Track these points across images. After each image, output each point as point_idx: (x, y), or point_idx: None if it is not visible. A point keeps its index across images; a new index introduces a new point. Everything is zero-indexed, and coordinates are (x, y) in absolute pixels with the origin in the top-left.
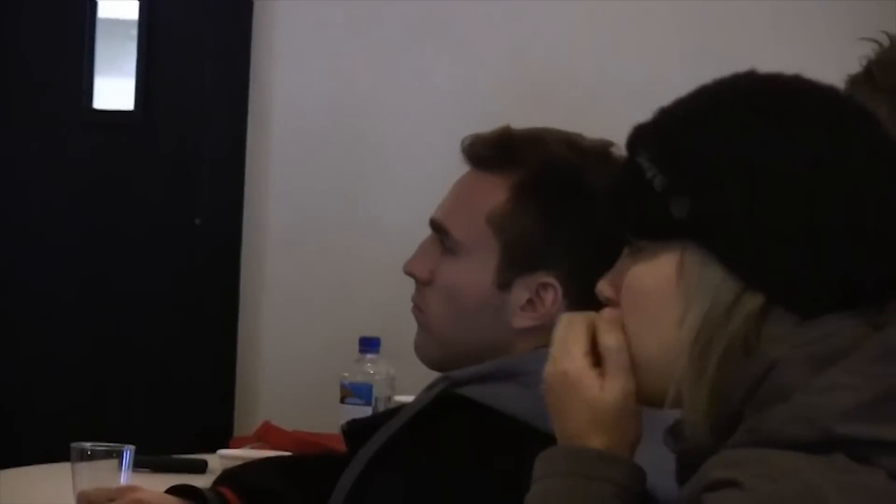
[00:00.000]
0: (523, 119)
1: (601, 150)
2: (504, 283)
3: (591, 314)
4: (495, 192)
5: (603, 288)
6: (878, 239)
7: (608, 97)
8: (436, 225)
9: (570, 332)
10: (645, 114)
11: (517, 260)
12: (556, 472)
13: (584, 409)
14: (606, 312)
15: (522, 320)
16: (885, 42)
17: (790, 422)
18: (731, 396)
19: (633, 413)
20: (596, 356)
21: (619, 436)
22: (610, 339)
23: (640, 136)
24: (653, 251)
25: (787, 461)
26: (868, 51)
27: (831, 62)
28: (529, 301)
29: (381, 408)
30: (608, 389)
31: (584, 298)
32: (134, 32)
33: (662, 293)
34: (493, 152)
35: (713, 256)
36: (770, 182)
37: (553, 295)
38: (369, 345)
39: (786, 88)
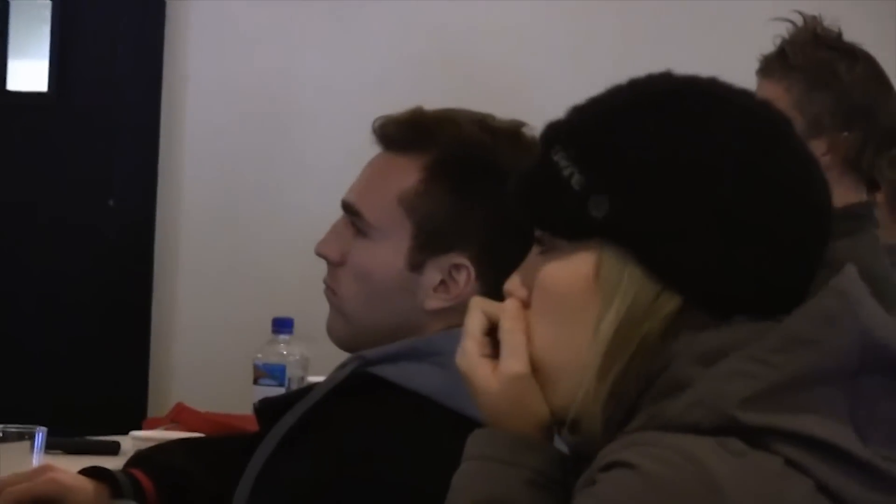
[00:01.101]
0: (437, 104)
1: (513, 130)
2: (416, 265)
3: (492, 303)
4: (407, 173)
5: (512, 288)
6: (794, 243)
7: (528, 83)
8: (347, 206)
9: (468, 321)
10: (566, 103)
11: (429, 241)
12: (476, 455)
13: (481, 398)
14: (509, 303)
15: (435, 301)
16: (799, 22)
17: (691, 408)
18: (629, 389)
19: (531, 395)
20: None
21: (523, 420)
22: (504, 324)
23: (556, 133)
24: (568, 250)
25: (682, 442)
26: (783, 31)
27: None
28: (442, 282)
29: (293, 388)
30: (496, 377)
31: (497, 279)
32: (48, 14)
33: (578, 294)
34: (405, 133)
35: (632, 257)
36: (688, 183)
37: (466, 276)
38: (282, 326)
39: (702, 90)
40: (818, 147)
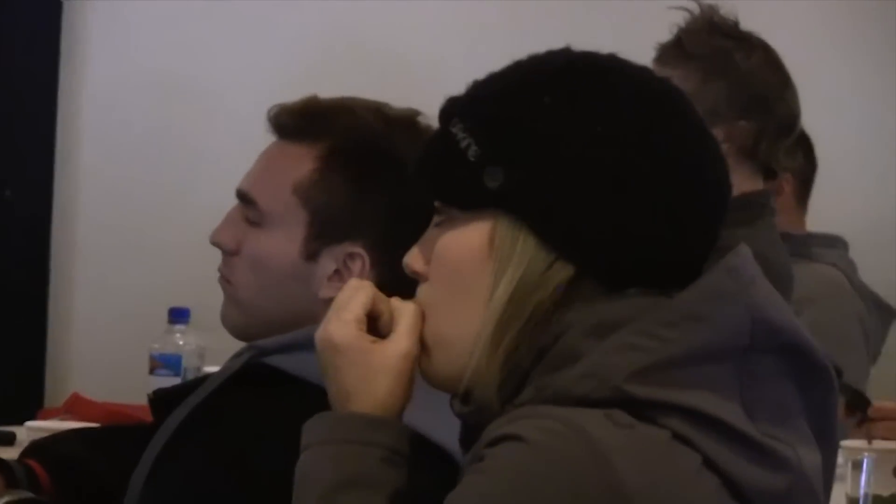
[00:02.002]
0: (334, 91)
1: (408, 118)
2: (311, 254)
3: (381, 294)
4: (301, 161)
5: (411, 260)
6: (689, 217)
7: (428, 74)
8: (242, 195)
9: (351, 298)
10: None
11: (324, 230)
12: (321, 440)
13: (352, 371)
14: (419, 292)
15: (329, 290)
16: (696, 11)
17: (580, 380)
18: (522, 360)
19: (408, 377)
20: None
21: (390, 399)
22: (396, 303)
23: (454, 106)
24: (464, 221)
25: (570, 415)
26: (679, 19)
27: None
28: (337, 271)
29: (190, 379)
30: (381, 351)
31: (392, 268)
32: None
33: (473, 262)
34: (299, 122)
35: (525, 226)
36: (582, 154)
37: (361, 265)
38: (179, 315)
39: (599, 64)
40: (715, 135)
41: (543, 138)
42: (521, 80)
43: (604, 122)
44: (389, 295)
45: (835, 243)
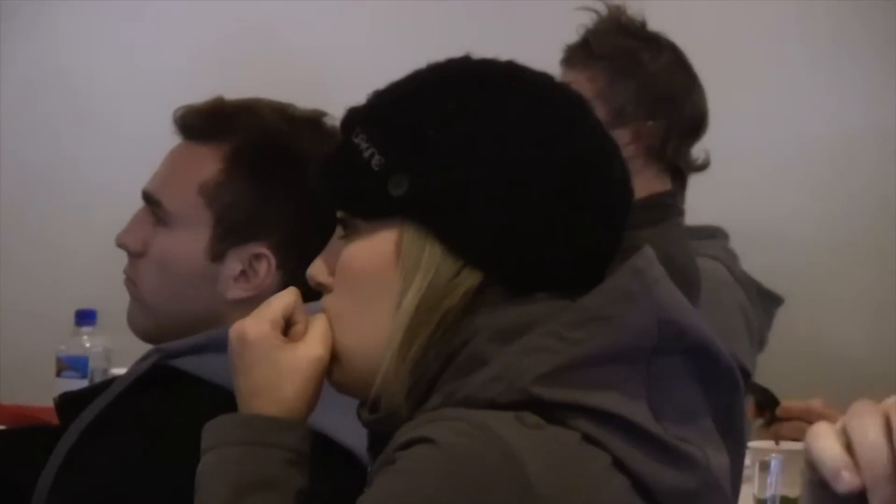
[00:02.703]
0: (239, 92)
1: (314, 119)
2: (217, 255)
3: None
4: (207, 162)
5: (314, 272)
6: (591, 221)
7: (334, 74)
8: (148, 196)
9: (274, 300)
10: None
11: (230, 231)
12: (227, 441)
13: (260, 369)
14: (324, 301)
15: (236, 291)
16: (603, 11)
17: (489, 383)
18: (430, 366)
19: (316, 382)
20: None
21: (297, 402)
22: (313, 316)
23: (356, 116)
24: (369, 230)
25: (480, 417)
26: (586, 20)
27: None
28: (243, 272)
29: (97, 381)
30: (291, 353)
31: (299, 269)
32: None
33: (380, 272)
34: (205, 123)
35: (432, 234)
36: (484, 161)
37: (266, 266)
38: (85, 317)
39: (500, 72)
40: (622, 136)
41: (446, 146)
42: (423, 88)
43: (505, 129)
44: (304, 292)
45: (714, 234)
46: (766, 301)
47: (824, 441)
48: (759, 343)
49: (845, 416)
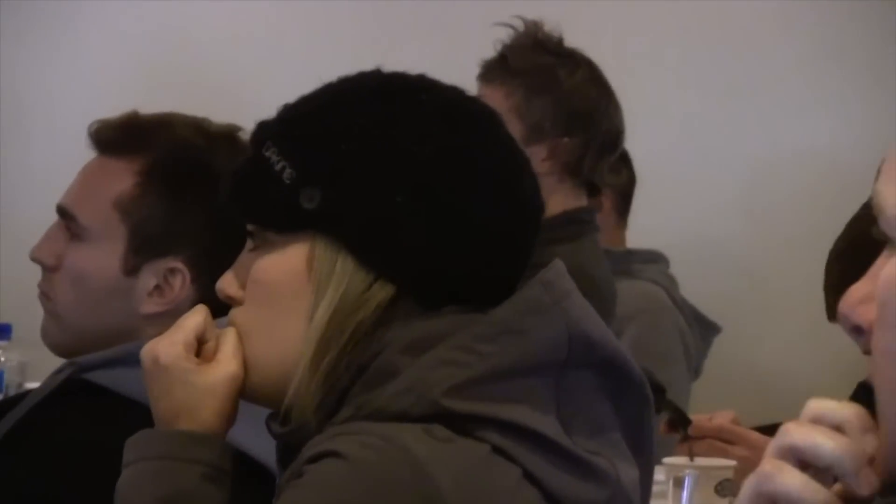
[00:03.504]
0: (155, 106)
1: (229, 133)
2: (131, 269)
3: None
4: (122, 177)
5: (224, 285)
6: (502, 234)
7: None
8: (62, 210)
9: (185, 319)
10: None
11: (144, 246)
12: (145, 456)
13: (176, 392)
14: (232, 314)
15: (150, 306)
16: (520, 27)
17: (398, 396)
18: (342, 379)
19: (233, 399)
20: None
21: (216, 420)
22: (224, 332)
23: (266, 130)
24: (281, 243)
25: (389, 430)
26: (503, 36)
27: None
28: (157, 287)
29: (11, 395)
30: (205, 374)
31: (213, 283)
32: None
33: (291, 284)
34: (120, 137)
35: (344, 247)
36: (395, 174)
37: (181, 280)
38: (0, 331)
39: (411, 85)
40: (539, 152)
41: (357, 158)
42: (334, 101)
43: (416, 142)
44: (216, 306)
45: (655, 259)
46: (704, 329)
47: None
48: (695, 371)
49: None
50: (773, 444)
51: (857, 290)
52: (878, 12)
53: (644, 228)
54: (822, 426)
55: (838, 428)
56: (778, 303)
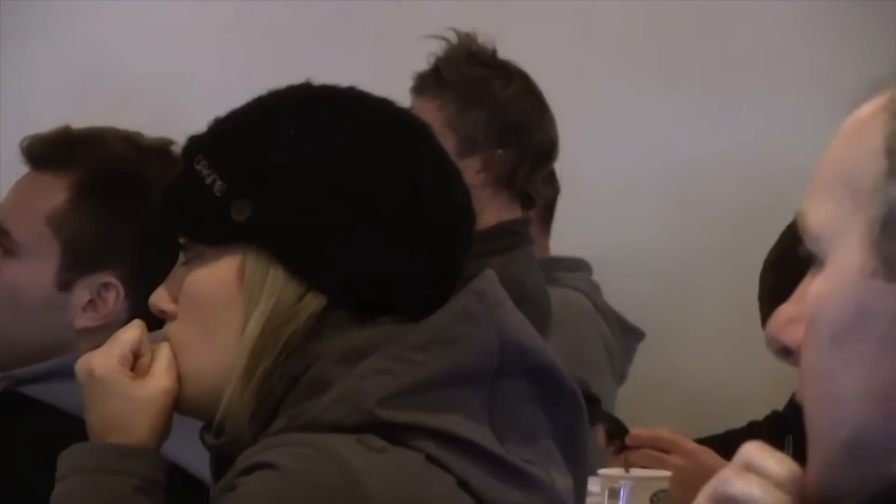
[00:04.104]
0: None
1: (161, 147)
2: (65, 284)
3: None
4: (54, 192)
5: (157, 300)
6: (433, 243)
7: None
8: None
9: (121, 334)
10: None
11: (77, 260)
12: (77, 469)
13: (111, 406)
14: (166, 328)
15: (84, 321)
16: (454, 39)
17: (332, 406)
18: (275, 390)
19: (167, 413)
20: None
21: (150, 434)
22: (158, 347)
23: (197, 143)
24: (213, 256)
25: (323, 440)
26: (437, 48)
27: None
28: (91, 301)
29: None
30: (140, 388)
31: (147, 297)
32: None
33: (223, 297)
34: (52, 152)
35: (275, 259)
36: (325, 185)
37: (115, 295)
38: None
39: (340, 97)
40: (472, 165)
41: (288, 170)
42: (264, 113)
43: (346, 153)
44: (151, 321)
45: (578, 266)
46: (628, 335)
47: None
48: (620, 377)
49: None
50: (710, 489)
51: (784, 312)
52: (802, 15)
53: (567, 235)
54: (762, 478)
55: (777, 483)
56: (699, 307)
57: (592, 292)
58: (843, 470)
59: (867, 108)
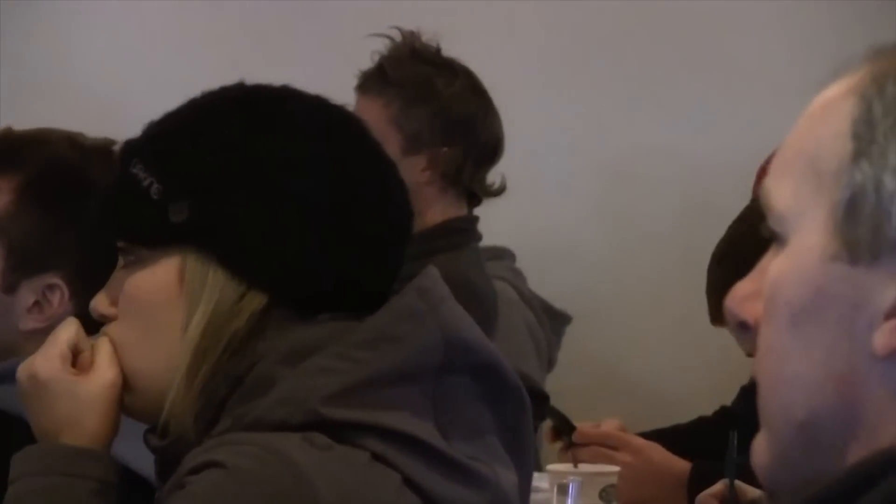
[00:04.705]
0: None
1: (103, 148)
2: (9, 287)
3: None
4: None
5: (96, 304)
6: (373, 240)
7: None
8: None
9: (57, 333)
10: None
11: (22, 262)
12: (31, 472)
13: (59, 406)
14: (107, 330)
15: (29, 322)
16: (398, 38)
17: (276, 405)
18: (219, 390)
19: (115, 407)
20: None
21: (100, 430)
22: (97, 342)
23: (133, 147)
24: (152, 259)
25: (269, 439)
26: (380, 47)
27: None
28: (36, 303)
29: None
30: (86, 384)
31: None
32: None
33: (164, 299)
34: None
35: (215, 259)
36: (263, 184)
37: (59, 296)
38: None
39: (276, 96)
40: (418, 163)
41: (224, 170)
42: (199, 114)
43: (282, 151)
44: (91, 323)
45: (499, 255)
46: (554, 320)
47: None
48: (549, 363)
49: None
50: None
51: (743, 287)
52: (741, 15)
53: (496, 224)
54: None
55: None
56: (632, 297)
57: (516, 280)
58: (797, 453)
59: (834, 90)
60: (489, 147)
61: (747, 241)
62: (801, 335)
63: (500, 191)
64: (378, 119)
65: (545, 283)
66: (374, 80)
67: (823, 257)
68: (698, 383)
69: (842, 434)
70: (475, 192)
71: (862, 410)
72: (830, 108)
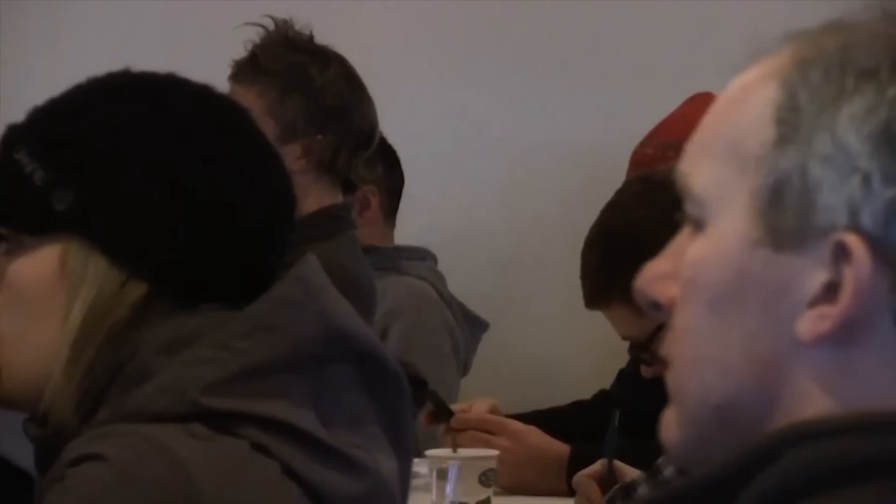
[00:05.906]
0: None
1: None
2: None
3: None
4: None
5: None
6: (255, 228)
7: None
8: None
9: None
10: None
11: None
12: None
13: None
14: None
15: None
16: (271, 26)
17: (156, 395)
18: (99, 380)
19: None
20: None
21: None
22: None
23: (16, 133)
24: (34, 246)
25: (149, 431)
26: (254, 35)
27: None
28: None
29: None
30: None
31: None
32: None
33: (45, 287)
34: None
35: (96, 247)
36: (144, 171)
37: None
38: None
39: (159, 83)
40: (293, 151)
41: (107, 158)
42: (83, 101)
43: (165, 139)
44: None
45: (422, 256)
46: (472, 326)
47: None
48: (464, 367)
49: None
50: None
51: (655, 267)
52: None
53: (410, 225)
54: None
55: None
56: (537, 295)
57: (437, 282)
58: (711, 431)
59: (754, 73)
60: (364, 134)
61: (617, 226)
62: (720, 318)
63: (374, 179)
64: (253, 108)
65: (458, 285)
66: (247, 70)
67: (746, 242)
68: (583, 366)
69: (759, 415)
70: (350, 179)
71: (781, 393)
72: (751, 93)
